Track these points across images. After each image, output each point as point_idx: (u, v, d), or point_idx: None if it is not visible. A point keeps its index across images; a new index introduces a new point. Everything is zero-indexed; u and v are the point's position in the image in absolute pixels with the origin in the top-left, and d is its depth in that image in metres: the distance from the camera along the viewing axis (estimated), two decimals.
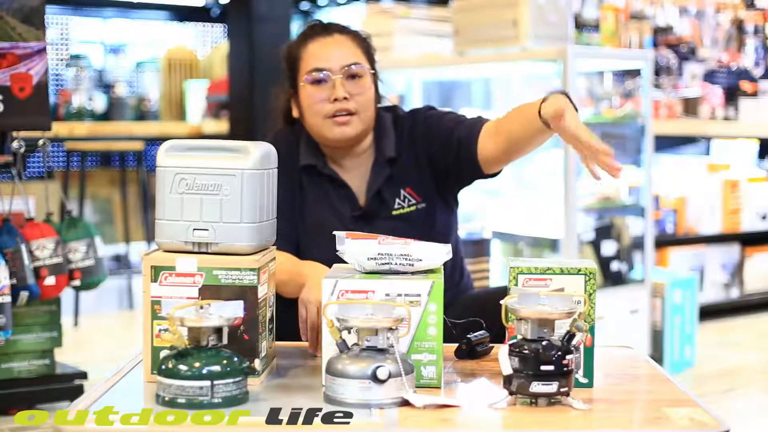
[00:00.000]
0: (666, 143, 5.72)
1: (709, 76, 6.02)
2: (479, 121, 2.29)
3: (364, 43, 2.34)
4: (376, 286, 1.72)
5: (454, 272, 2.36)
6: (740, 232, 5.73)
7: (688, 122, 5.68)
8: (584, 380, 1.74)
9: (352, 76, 2.26)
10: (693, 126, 5.71)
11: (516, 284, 1.73)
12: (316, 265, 2.11)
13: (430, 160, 2.33)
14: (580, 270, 1.74)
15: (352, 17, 6.32)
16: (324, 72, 2.25)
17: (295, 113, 2.37)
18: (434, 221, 2.30)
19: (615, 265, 4.42)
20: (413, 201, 2.33)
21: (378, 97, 2.36)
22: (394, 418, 1.54)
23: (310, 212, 2.34)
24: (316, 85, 2.26)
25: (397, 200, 2.33)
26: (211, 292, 1.73)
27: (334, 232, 1.82)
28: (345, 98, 2.24)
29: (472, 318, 1.98)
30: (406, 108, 2.62)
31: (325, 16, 6.86)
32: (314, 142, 2.35)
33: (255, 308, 1.74)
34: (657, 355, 4.35)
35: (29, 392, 3.41)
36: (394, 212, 2.32)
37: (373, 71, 2.33)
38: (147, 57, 6.60)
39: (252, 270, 1.73)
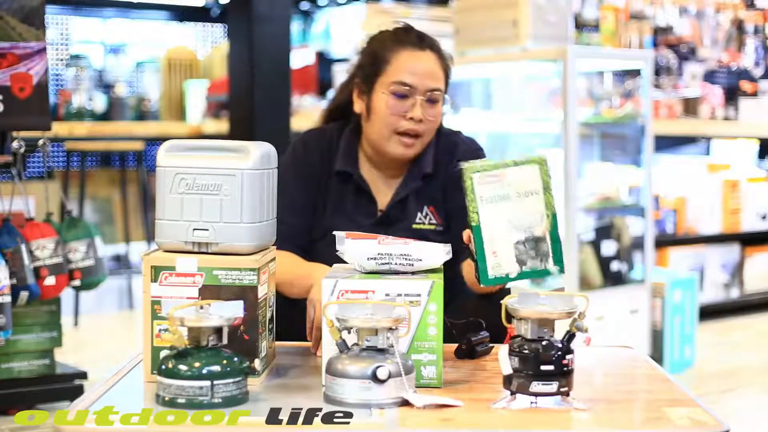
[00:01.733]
0: (666, 143, 5.72)
1: (709, 76, 6.02)
2: None
3: (446, 65, 2.32)
4: (376, 286, 1.72)
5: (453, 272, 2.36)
6: (740, 232, 5.73)
7: (688, 122, 5.68)
8: (555, 269, 1.73)
9: (432, 101, 2.26)
10: (693, 126, 5.71)
11: (472, 184, 1.72)
12: (323, 267, 2.11)
13: (448, 194, 2.34)
14: (532, 160, 1.75)
15: (352, 17, 6.32)
16: (410, 88, 2.24)
17: (357, 108, 2.34)
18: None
19: (615, 265, 4.42)
20: (434, 221, 2.33)
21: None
22: (394, 418, 1.54)
23: (330, 218, 2.33)
24: (398, 98, 2.25)
25: (419, 215, 2.33)
26: (211, 292, 1.73)
27: (334, 232, 1.82)
28: (420, 120, 2.24)
29: (472, 318, 1.98)
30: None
31: (325, 16, 6.86)
32: (354, 148, 2.35)
33: (255, 308, 1.74)
34: (657, 355, 4.35)
35: (29, 392, 3.41)
36: (414, 226, 2.31)
37: (445, 94, 2.32)
38: (147, 57, 6.60)
39: (252, 270, 1.73)
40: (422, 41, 2.30)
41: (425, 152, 2.34)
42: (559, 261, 1.74)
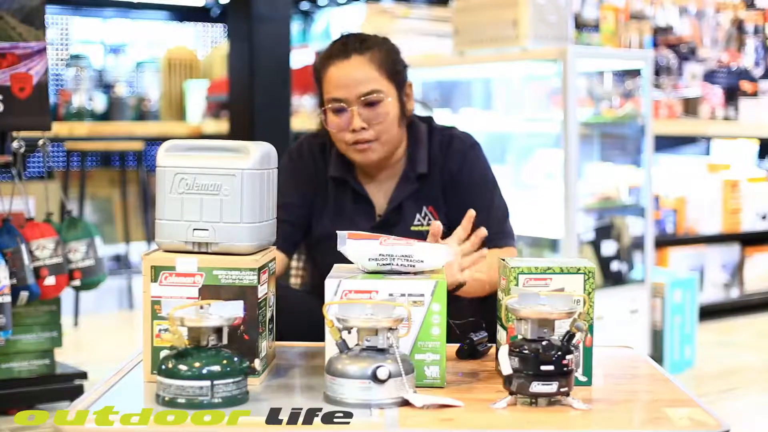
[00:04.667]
0: (666, 143, 5.72)
1: (709, 76, 6.02)
2: (496, 238, 2.27)
3: (385, 59, 2.29)
4: (380, 286, 1.71)
5: None
6: (740, 232, 5.73)
7: (688, 122, 5.68)
8: (583, 378, 1.74)
9: (370, 104, 2.25)
10: (693, 126, 5.71)
11: (516, 284, 1.73)
12: None
13: (447, 193, 2.33)
14: (579, 269, 1.74)
15: (352, 17, 6.32)
16: (340, 102, 2.25)
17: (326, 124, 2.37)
18: None
19: (615, 265, 4.42)
20: (433, 220, 2.32)
21: (406, 111, 2.33)
22: (394, 418, 1.54)
23: (329, 223, 2.32)
24: (336, 114, 2.26)
25: (417, 216, 2.32)
26: (211, 292, 1.73)
27: (337, 232, 1.81)
28: (363, 128, 2.24)
29: (472, 318, 1.98)
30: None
31: (325, 16, 6.86)
32: None
33: (255, 308, 1.74)
34: (657, 355, 4.35)
35: (29, 392, 3.41)
36: (413, 228, 2.31)
37: (398, 86, 2.29)
38: (147, 57, 6.59)
39: (252, 270, 1.73)
40: (346, 49, 2.28)
41: (417, 152, 2.33)
42: (588, 372, 1.75)
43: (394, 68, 2.30)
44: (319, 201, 2.36)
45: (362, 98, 2.24)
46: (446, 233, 2.29)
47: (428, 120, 2.41)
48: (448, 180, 2.33)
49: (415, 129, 2.35)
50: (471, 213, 2.05)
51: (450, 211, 2.33)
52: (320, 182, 2.36)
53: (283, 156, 2.37)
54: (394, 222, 2.32)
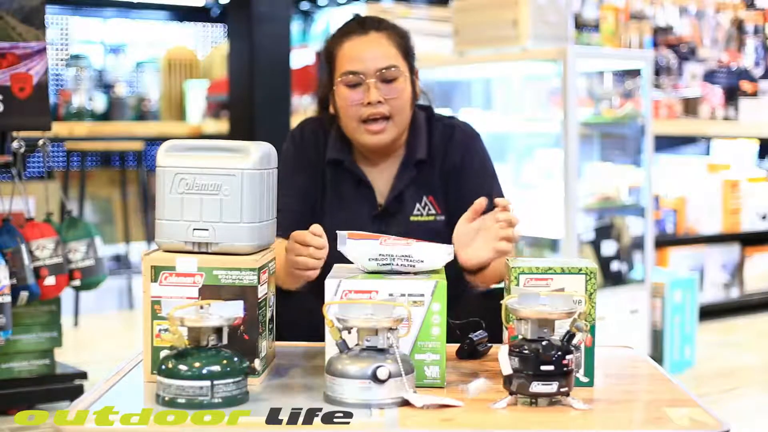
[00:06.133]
0: (666, 143, 5.72)
1: (709, 76, 6.02)
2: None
3: (401, 40, 2.29)
4: (380, 285, 1.72)
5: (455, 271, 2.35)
6: (740, 232, 5.73)
7: (688, 122, 5.68)
8: (585, 379, 1.74)
9: (387, 80, 2.23)
10: (693, 126, 5.71)
11: (517, 284, 1.73)
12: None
13: (448, 183, 2.33)
14: (581, 270, 1.74)
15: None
16: (358, 75, 2.23)
17: (331, 109, 2.34)
18: (449, 236, 2.13)
19: (615, 265, 4.42)
20: (433, 211, 2.31)
21: (415, 95, 2.33)
22: (394, 418, 1.54)
23: (329, 210, 2.32)
24: (350, 88, 2.24)
25: (417, 206, 2.31)
26: (211, 292, 1.73)
27: (337, 232, 1.81)
28: (379, 101, 2.22)
29: (472, 318, 1.98)
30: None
31: (325, 16, 6.86)
32: (345, 136, 2.33)
33: (255, 308, 1.74)
34: (657, 355, 4.35)
35: (29, 392, 3.41)
36: (412, 218, 2.30)
37: (410, 69, 2.29)
38: (147, 57, 6.60)
39: (252, 270, 1.73)
40: (364, 26, 2.27)
41: (417, 138, 2.33)
42: (589, 373, 1.75)
43: (407, 51, 2.30)
44: (319, 185, 2.35)
45: (380, 72, 2.22)
46: (447, 224, 2.29)
47: (427, 108, 2.41)
48: (450, 170, 2.33)
49: (414, 116, 2.35)
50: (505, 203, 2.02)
51: (450, 200, 2.32)
52: (320, 166, 2.35)
53: (286, 141, 2.37)
54: (395, 211, 2.31)
